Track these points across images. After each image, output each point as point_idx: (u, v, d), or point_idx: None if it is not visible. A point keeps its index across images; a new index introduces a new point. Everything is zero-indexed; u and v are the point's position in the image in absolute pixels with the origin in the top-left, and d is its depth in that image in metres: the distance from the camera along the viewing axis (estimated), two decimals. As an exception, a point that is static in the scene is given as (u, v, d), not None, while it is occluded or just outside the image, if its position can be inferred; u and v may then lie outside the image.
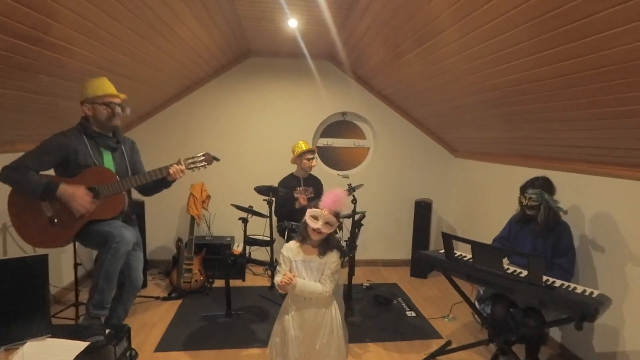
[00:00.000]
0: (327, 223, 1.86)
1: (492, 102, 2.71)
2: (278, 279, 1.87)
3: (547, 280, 2.10)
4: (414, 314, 3.29)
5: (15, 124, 2.51)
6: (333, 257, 1.94)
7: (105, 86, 2.15)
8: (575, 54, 1.71)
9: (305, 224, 1.91)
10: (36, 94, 2.32)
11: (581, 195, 2.59)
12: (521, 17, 1.71)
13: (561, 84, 2.00)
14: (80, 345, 1.68)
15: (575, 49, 1.68)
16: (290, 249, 1.98)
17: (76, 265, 2.91)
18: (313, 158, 3.44)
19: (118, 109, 2.16)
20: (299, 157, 3.44)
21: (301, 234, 1.97)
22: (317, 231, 1.87)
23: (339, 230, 3.22)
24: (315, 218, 1.87)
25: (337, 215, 1.90)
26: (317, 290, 1.88)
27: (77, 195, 2.01)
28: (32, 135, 2.74)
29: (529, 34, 1.78)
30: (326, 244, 1.94)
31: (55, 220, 2.05)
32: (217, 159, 2.32)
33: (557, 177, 2.62)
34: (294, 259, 1.94)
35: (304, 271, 1.92)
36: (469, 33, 2.08)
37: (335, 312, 1.98)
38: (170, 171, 2.18)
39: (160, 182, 2.28)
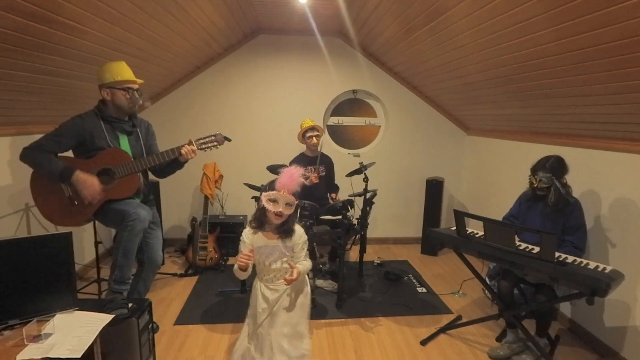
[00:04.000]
0: (287, 204, 1.76)
1: (506, 77, 2.66)
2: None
3: (560, 256, 2.11)
4: (424, 290, 3.35)
5: (29, 105, 2.56)
6: (299, 233, 1.89)
7: (124, 72, 2.17)
8: (595, 25, 1.66)
9: (263, 210, 1.78)
10: (49, 75, 2.35)
11: (596, 172, 2.56)
12: (540, -12, 1.65)
13: (579, 57, 1.94)
14: (106, 318, 1.76)
15: (595, 20, 1.63)
16: (249, 236, 1.86)
17: (97, 243, 3.02)
18: (314, 136, 3.43)
19: (136, 95, 2.19)
20: (303, 136, 3.45)
21: (258, 220, 1.85)
22: (279, 215, 1.76)
23: (351, 209, 3.25)
24: (274, 201, 1.75)
25: (295, 194, 1.79)
26: (308, 268, 1.91)
27: (88, 184, 2.07)
28: (46, 116, 2.80)
29: (546, 5, 1.72)
30: (286, 228, 1.84)
31: (76, 203, 2.13)
32: (228, 139, 2.34)
33: (571, 153, 2.58)
34: (257, 244, 1.84)
35: (272, 256, 1.85)
36: (483, 6, 2.02)
37: (307, 291, 1.98)
38: (182, 151, 2.22)
39: (173, 163, 2.33)
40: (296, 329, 1.92)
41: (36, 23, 1.82)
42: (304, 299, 1.96)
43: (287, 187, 1.77)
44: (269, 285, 1.89)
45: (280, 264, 1.86)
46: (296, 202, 1.81)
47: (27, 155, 2.07)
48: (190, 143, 2.27)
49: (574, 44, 1.88)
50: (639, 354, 2.24)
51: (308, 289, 2.00)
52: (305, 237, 1.93)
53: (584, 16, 1.65)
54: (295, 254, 1.89)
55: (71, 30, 2.05)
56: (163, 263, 3.73)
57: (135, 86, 2.20)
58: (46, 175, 2.09)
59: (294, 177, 1.78)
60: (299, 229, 1.92)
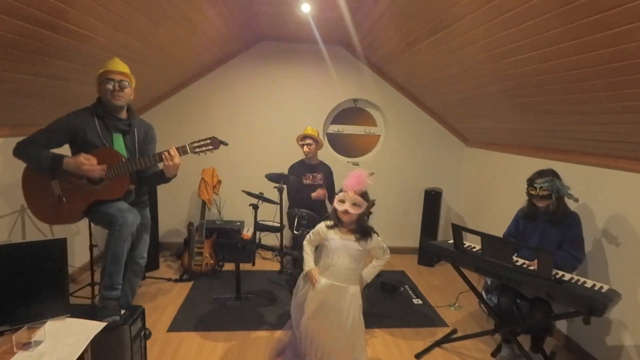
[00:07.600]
0: (354, 204, 1.90)
1: (507, 92, 2.66)
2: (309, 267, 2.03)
3: (557, 273, 2.10)
4: (420, 302, 3.33)
5: (27, 108, 2.55)
6: (378, 240, 2.01)
7: (108, 64, 2.12)
8: (596, 46, 1.66)
9: (335, 209, 1.96)
10: (51, 79, 2.35)
11: (593, 188, 2.56)
12: (544, 7, 1.66)
13: (579, 76, 1.95)
14: (98, 326, 1.74)
15: (597, 41, 1.64)
16: (323, 229, 2.02)
17: (92, 246, 3.00)
18: (305, 144, 3.43)
19: (117, 87, 2.11)
20: (299, 143, 3.46)
21: (333, 219, 2.00)
22: (346, 213, 1.90)
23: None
24: (342, 201, 1.92)
25: (363, 195, 1.93)
26: (382, 264, 2.09)
27: (79, 161, 2.04)
28: (45, 118, 2.77)
29: (550, 24, 1.73)
30: (363, 229, 1.97)
31: (64, 199, 2.12)
32: (224, 143, 2.28)
33: (569, 169, 2.59)
34: (331, 237, 1.98)
35: (342, 250, 1.96)
36: (487, 22, 2.03)
37: (358, 295, 2.06)
38: (163, 155, 2.15)
39: (158, 175, 2.29)
40: (350, 340, 1.99)
41: (43, 29, 1.83)
42: (359, 315, 2.05)
43: (354, 187, 1.91)
44: (328, 279, 1.98)
45: (344, 261, 1.96)
46: (366, 203, 1.95)
47: (19, 148, 2.07)
48: (183, 148, 2.21)
49: (573, 64, 1.89)
50: (634, 373, 2.22)
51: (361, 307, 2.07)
52: (384, 246, 2.05)
53: (585, 37, 1.66)
54: (378, 253, 2.04)
55: (76, 36, 2.06)
56: (158, 267, 3.73)
57: (118, 77, 2.11)
58: (37, 165, 2.07)
59: (360, 178, 1.93)
60: (376, 238, 2.02)
